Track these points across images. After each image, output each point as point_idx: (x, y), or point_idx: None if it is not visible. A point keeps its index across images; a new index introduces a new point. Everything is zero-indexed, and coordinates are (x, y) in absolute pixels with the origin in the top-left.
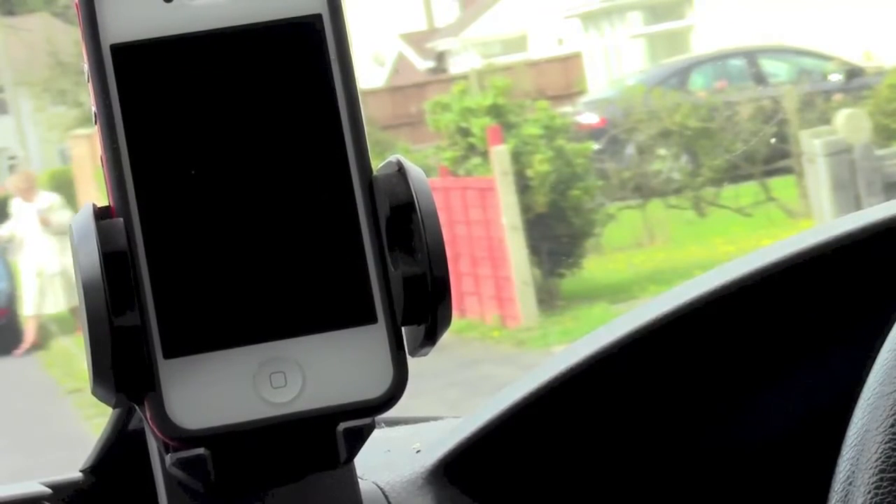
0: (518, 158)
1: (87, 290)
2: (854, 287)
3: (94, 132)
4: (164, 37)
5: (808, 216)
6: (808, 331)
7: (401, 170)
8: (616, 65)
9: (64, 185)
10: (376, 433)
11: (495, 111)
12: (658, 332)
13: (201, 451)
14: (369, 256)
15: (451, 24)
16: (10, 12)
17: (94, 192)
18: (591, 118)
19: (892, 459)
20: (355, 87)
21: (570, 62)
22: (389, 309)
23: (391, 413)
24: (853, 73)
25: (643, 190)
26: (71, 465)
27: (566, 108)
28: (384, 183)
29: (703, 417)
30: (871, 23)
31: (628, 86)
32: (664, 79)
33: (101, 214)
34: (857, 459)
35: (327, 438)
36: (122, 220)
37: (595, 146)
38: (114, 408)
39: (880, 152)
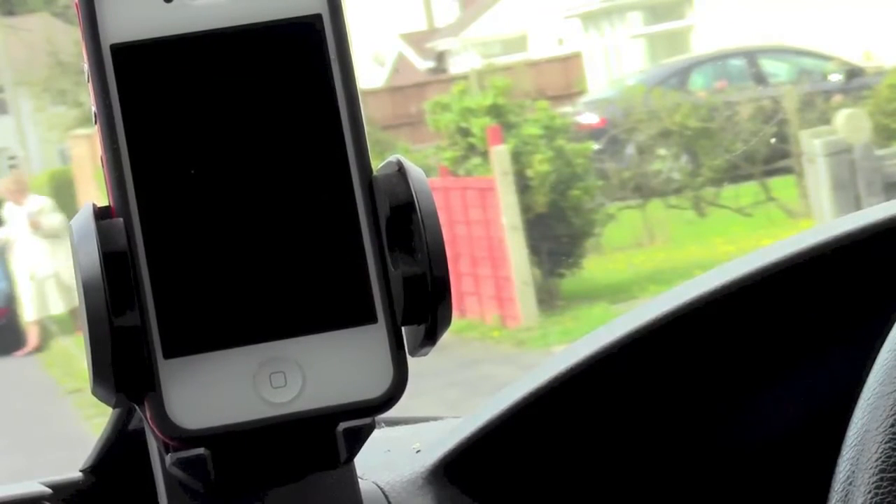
0: (518, 158)
1: (87, 290)
2: (854, 287)
3: (94, 132)
4: (165, 37)
5: (808, 216)
6: (808, 331)
7: (401, 170)
8: (616, 65)
9: (64, 185)
10: (376, 433)
11: (495, 111)
12: (658, 332)
13: (201, 450)
14: (369, 256)
15: (451, 24)
16: (10, 12)
17: (94, 192)
18: (591, 118)
19: (892, 459)
20: (355, 87)
21: (570, 62)
22: (389, 309)
23: (391, 413)
24: (853, 73)
25: (643, 190)
26: (71, 465)
27: (566, 108)
28: (384, 183)
29: (704, 417)
30: (871, 23)
31: (628, 86)
32: (664, 79)
33: (101, 214)
34: (857, 459)
35: (327, 438)
36: (122, 220)
37: (595, 146)
38: (114, 408)
39: (880, 152)
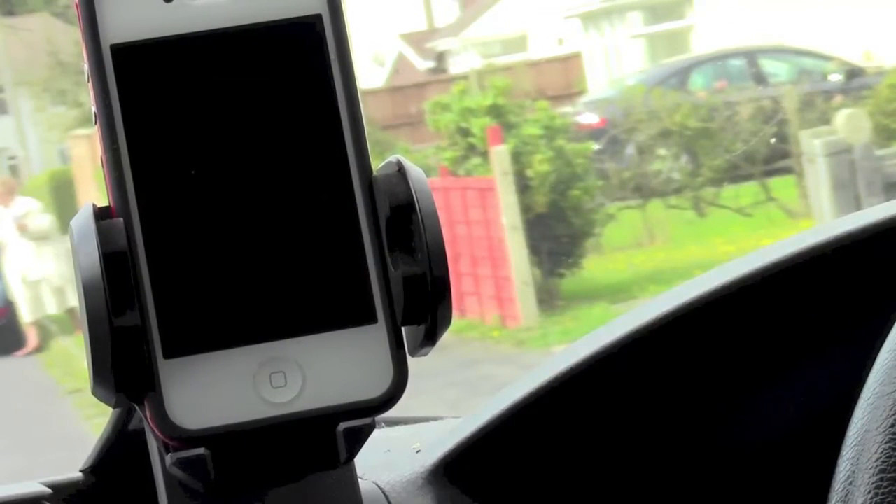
0: (518, 158)
1: (87, 290)
2: (854, 287)
3: (94, 132)
4: (165, 37)
5: (808, 216)
6: (808, 331)
7: (401, 170)
8: (616, 65)
9: (64, 185)
10: (376, 433)
11: (495, 111)
12: (658, 332)
13: (201, 450)
14: (369, 256)
15: (451, 24)
16: (10, 12)
17: (94, 192)
18: (591, 118)
19: (892, 459)
20: (355, 87)
21: (570, 62)
22: (389, 309)
23: (391, 413)
24: (853, 73)
25: (643, 190)
26: (71, 465)
27: (566, 108)
28: (384, 183)
29: (704, 417)
30: (871, 23)
31: (628, 86)
32: (664, 79)
33: (101, 214)
34: (857, 459)
35: (327, 438)
36: (122, 220)
37: (595, 146)
38: (114, 408)
39: (880, 152)
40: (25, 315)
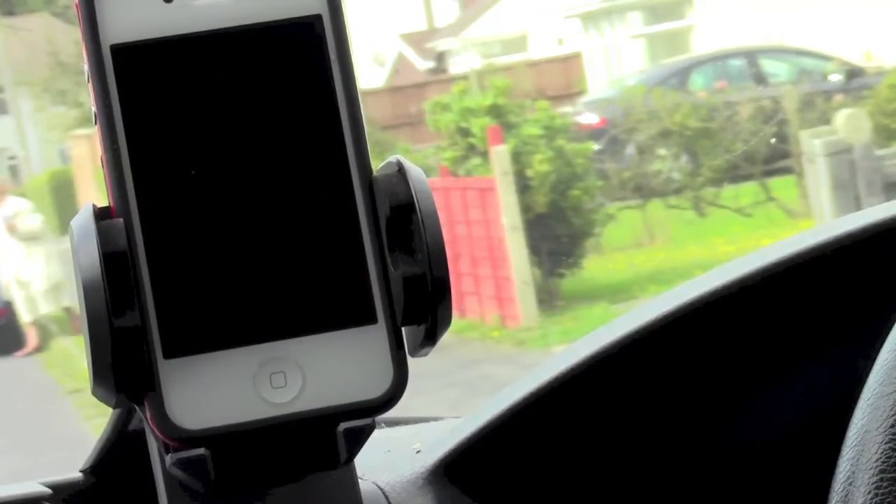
0: (518, 158)
1: (87, 291)
2: (854, 287)
3: (94, 132)
4: (165, 37)
5: (808, 216)
6: (808, 331)
7: (401, 170)
8: (616, 65)
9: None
10: (376, 433)
11: (495, 111)
12: (658, 332)
13: (201, 451)
14: (369, 256)
15: (451, 24)
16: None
17: (94, 192)
18: (591, 118)
19: (892, 459)
20: (355, 87)
21: (570, 62)
22: (389, 309)
23: (391, 413)
24: (853, 73)
25: (643, 190)
26: (71, 465)
27: (566, 108)
28: (384, 183)
29: (704, 417)
30: (871, 23)
31: (628, 86)
32: (664, 79)
33: (101, 214)
34: (857, 459)
35: (327, 438)
36: (122, 220)
37: (595, 146)
38: (114, 408)
39: (880, 152)
40: (23, 315)
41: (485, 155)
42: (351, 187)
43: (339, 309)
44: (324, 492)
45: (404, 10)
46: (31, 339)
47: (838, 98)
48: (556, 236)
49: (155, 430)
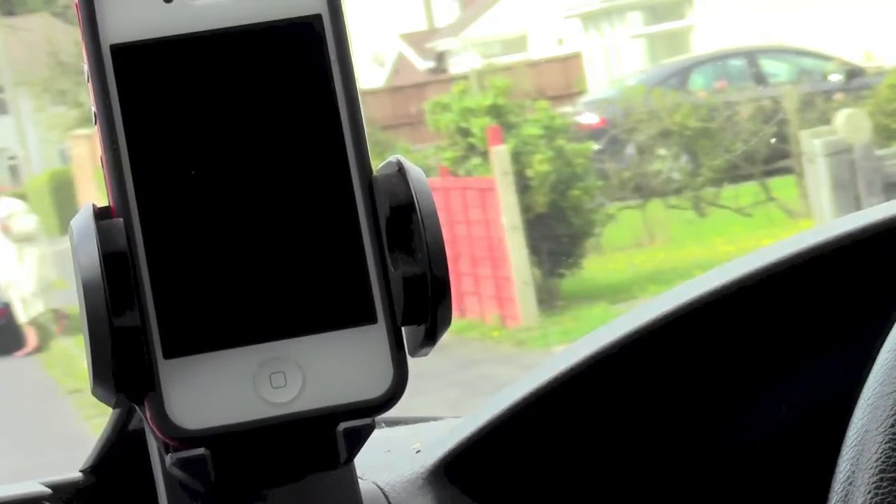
0: (518, 158)
1: (87, 290)
2: (854, 287)
3: (94, 132)
4: (165, 37)
5: (808, 216)
6: (808, 331)
7: (401, 170)
8: (616, 65)
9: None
10: (376, 433)
11: (495, 111)
12: (658, 332)
13: (201, 451)
14: (369, 256)
15: (451, 24)
16: (10, 12)
17: (94, 192)
18: (591, 118)
19: (892, 459)
20: (355, 87)
21: (570, 62)
22: (389, 309)
23: (391, 413)
24: (853, 73)
25: (643, 190)
26: (71, 465)
27: (566, 108)
28: (384, 183)
29: (704, 417)
30: (871, 23)
31: (628, 86)
32: (664, 79)
33: (101, 214)
34: (857, 459)
35: (327, 438)
36: (122, 220)
37: (595, 146)
38: (114, 408)
39: (880, 152)
40: (20, 315)
41: (485, 155)
42: (351, 187)
43: (339, 309)
44: (324, 492)
45: (404, 10)
46: (31, 338)
47: (838, 98)
48: (556, 236)
49: (155, 430)
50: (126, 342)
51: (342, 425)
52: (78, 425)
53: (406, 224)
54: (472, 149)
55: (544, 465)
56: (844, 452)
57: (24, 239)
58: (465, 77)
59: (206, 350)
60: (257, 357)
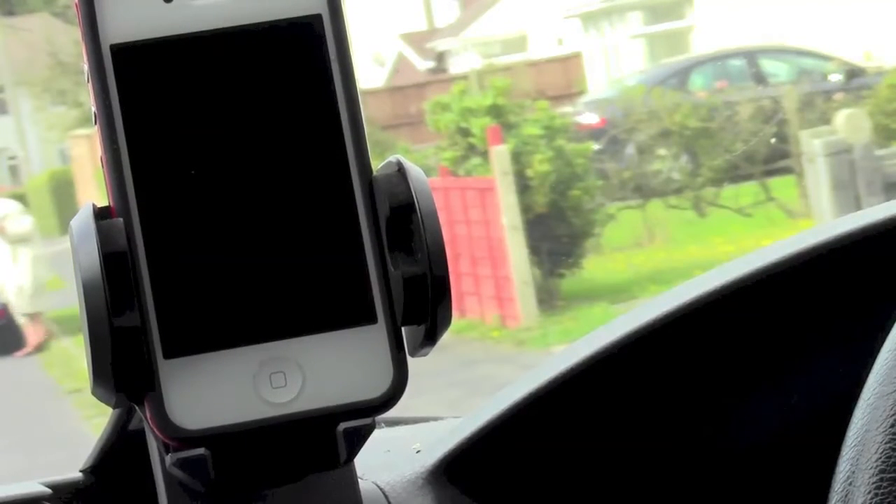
0: (518, 158)
1: (87, 290)
2: (854, 287)
3: (94, 132)
4: (165, 37)
5: (808, 216)
6: (808, 331)
7: (401, 170)
8: (616, 65)
9: (64, 185)
10: (376, 433)
11: (495, 111)
12: (658, 332)
13: (201, 451)
14: (369, 256)
15: (451, 24)
16: (10, 12)
17: (94, 192)
18: (591, 118)
19: (892, 459)
20: (355, 87)
21: (570, 62)
22: (389, 309)
23: (391, 413)
24: (853, 73)
25: (643, 190)
26: (71, 465)
27: (566, 108)
28: (384, 183)
29: (703, 417)
30: (871, 23)
31: (628, 86)
32: (664, 79)
33: (101, 214)
34: (857, 459)
35: (327, 438)
36: (122, 220)
37: (595, 146)
38: (114, 408)
39: (880, 152)
40: (17, 316)
41: (485, 155)
42: (351, 187)
43: (339, 309)
44: (324, 492)
45: (404, 10)
46: (30, 338)
47: (838, 98)
48: (556, 236)
49: (155, 429)
50: (126, 342)
51: (342, 425)
52: (78, 425)
53: (406, 224)
54: (472, 149)
55: (544, 466)
56: (844, 452)
57: (20, 240)
58: (465, 77)
59: (206, 350)
60: (257, 357)
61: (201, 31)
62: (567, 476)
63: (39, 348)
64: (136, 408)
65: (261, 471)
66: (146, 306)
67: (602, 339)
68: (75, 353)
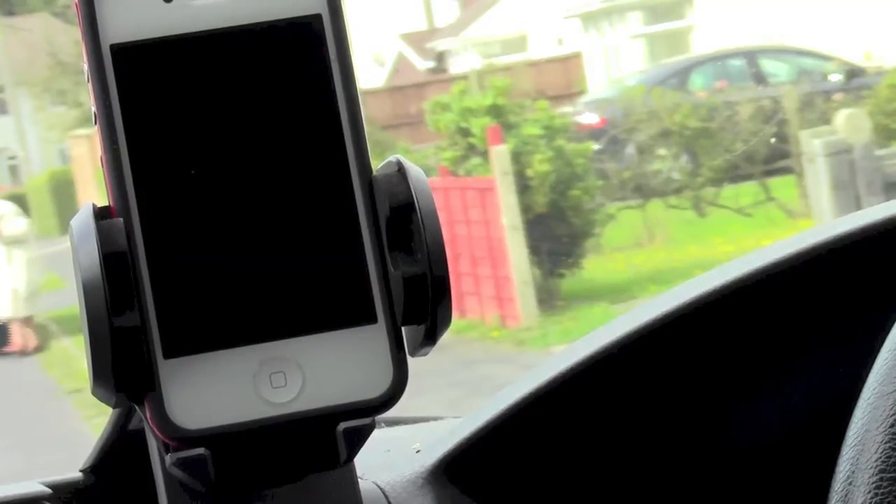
0: (518, 158)
1: (87, 290)
2: (854, 287)
3: (94, 132)
4: (164, 37)
5: (808, 216)
6: (808, 331)
7: (401, 170)
8: (616, 65)
9: (64, 185)
10: (376, 433)
11: (495, 111)
12: (658, 332)
13: (201, 450)
14: (369, 256)
15: (451, 24)
16: (10, 12)
17: (94, 192)
18: (591, 118)
19: (892, 459)
20: (355, 87)
21: (570, 62)
22: (389, 309)
23: (391, 413)
24: (853, 73)
25: (643, 190)
26: (71, 465)
27: (566, 108)
28: (384, 183)
29: (704, 417)
30: (871, 23)
31: (628, 86)
32: (664, 79)
33: (101, 214)
34: (857, 459)
35: (327, 438)
36: (122, 220)
37: (595, 146)
38: (114, 408)
39: (880, 152)
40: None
41: (485, 155)
42: (351, 187)
43: (339, 309)
44: (324, 492)
45: (404, 10)
46: (29, 339)
47: (838, 98)
48: (556, 236)
49: (155, 429)
50: (126, 342)
51: (342, 425)
52: (78, 425)
53: (406, 224)
54: (472, 149)
55: (544, 465)
56: (844, 452)
57: (14, 242)
58: (465, 77)
59: (206, 350)
60: (257, 357)
61: (201, 31)
62: (567, 476)
63: (27, 353)
64: (136, 408)
65: (261, 471)
66: (146, 306)
67: (602, 339)
68: (75, 353)
